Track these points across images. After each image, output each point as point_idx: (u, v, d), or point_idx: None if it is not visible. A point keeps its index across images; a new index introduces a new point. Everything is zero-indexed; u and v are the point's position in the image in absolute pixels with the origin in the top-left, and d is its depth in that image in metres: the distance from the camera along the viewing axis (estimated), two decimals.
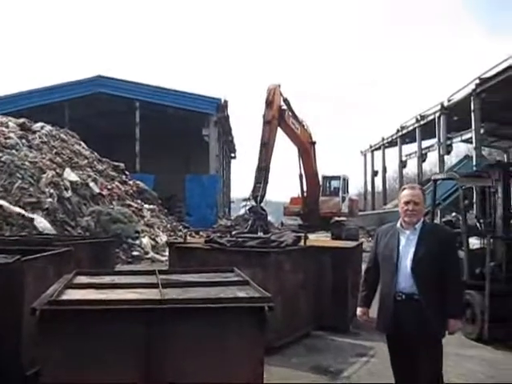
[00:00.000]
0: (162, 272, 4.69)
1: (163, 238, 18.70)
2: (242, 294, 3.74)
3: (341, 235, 20.41)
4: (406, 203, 4.08)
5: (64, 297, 3.59)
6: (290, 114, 18.95)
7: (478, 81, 24.77)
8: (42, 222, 14.43)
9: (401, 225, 4.14)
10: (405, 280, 3.98)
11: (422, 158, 34.51)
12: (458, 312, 4.10)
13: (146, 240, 17.80)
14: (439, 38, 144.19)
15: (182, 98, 31.05)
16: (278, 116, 17.78)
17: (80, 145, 23.86)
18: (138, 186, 23.58)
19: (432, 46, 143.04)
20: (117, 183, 22.20)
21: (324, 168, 28.74)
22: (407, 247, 4.04)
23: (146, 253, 17.13)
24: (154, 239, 18.53)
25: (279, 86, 18.24)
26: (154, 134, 31.60)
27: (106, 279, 4.34)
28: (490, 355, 6.98)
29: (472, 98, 24.95)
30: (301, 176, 21.99)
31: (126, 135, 31.19)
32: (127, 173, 25.02)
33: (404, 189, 4.27)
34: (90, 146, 24.51)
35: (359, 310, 4.35)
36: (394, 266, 4.02)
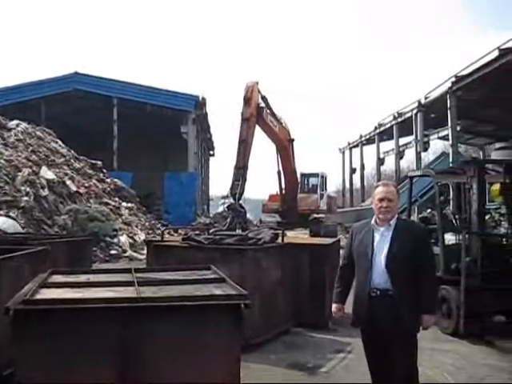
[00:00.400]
0: (138, 270, 4.67)
1: (141, 236, 18.59)
2: (218, 292, 3.73)
3: (319, 232, 20.53)
4: (380, 200, 4.10)
5: (38, 296, 3.55)
6: (268, 111, 18.94)
7: (454, 79, 25.04)
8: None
9: (375, 221, 4.16)
10: (379, 276, 4.00)
11: (400, 155, 34.78)
12: (432, 307, 4.14)
13: (123, 238, 17.70)
14: (422, 37, 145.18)
15: (160, 96, 30.89)
16: (256, 113, 17.75)
17: (57, 142, 23.61)
18: (116, 184, 23.41)
19: (415, 45, 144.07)
20: (94, 181, 22.03)
21: (303, 165, 28.81)
22: (381, 244, 4.07)
23: (124, 251, 17.03)
24: (132, 237, 18.43)
25: (257, 83, 18.21)
26: (132, 131, 31.40)
27: (82, 278, 4.31)
28: (465, 349, 7.08)
29: (448, 95, 25.21)
30: (279, 173, 22.02)
31: (103, 133, 30.94)
32: (105, 171, 24.84)
33: (378, 186, 4.31)
34: (67, 143, 24.26)
35: (334, 307, 4.36)
36: (369, 263, 4.04)
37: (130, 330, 3.36)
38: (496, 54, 21.92)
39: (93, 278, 4.35)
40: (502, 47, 21.77)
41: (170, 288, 3.88)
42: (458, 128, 26.65)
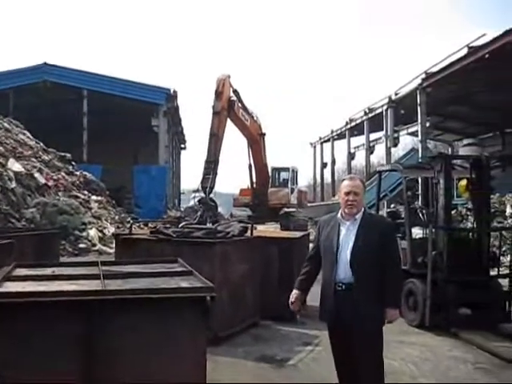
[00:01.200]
0: (104, 263, 4.65)
1: (111, 230, 18.40)
2: (184, 284, 3.73)
3: (290, 226, 20.57)
4: (347, 194, 4.10)
5: (1, 289, 3.51)
6: (239, 105, 18.87)
7: (424, 75, 25.33)
8: None
9: (341, 215, 4.15)
10: (344, 271, 4.00)
11: (370, 150, 35.05)
12: (396, 302, 4.15)
13: (93, 232, 17.52)
14: (396, 34, 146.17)
15: (130, 88, 30.59)
16: (228, 107, 17.69)
17: (24, 134, 23.22)
18: (85, 177, 23.12)
19: (389, 42, 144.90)
20: (63, 174, 21.72)
21: (274, 160, 28.88)
22: (347, 238, 4.06)
23: (94, 245, 16.86)
24: (101, 231, 18.24)
25: (229, 76, 18.14)
26: (102, 123, 31.03)
27: (47, 271, 4.27)
28: (431, 341, 7.21)
29: (418, 92, 25.49)
30: (250, 167, 22.00)
31: (73, 125, 30.51)
32: (74, 163, 24.53)
33: (344, 180, 4.30)
34: (36, 135, 23.88)
35: (293, 292, 4.32)
36: (334, 257, 4.04)
37: (95, 324, 3.34)
38: (465, 51, 22.25)
39: (58, 271, 4.31)
40: (471, 45, 22.10)
41: (136, 281, 3.87)
42: (428, 124, 26.97)
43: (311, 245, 4.61)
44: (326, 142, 44.76)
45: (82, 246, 16.46)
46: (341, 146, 42.54)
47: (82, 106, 29.78)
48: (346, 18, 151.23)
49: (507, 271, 8.51)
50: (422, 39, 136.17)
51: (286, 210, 24.67)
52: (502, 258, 9.56)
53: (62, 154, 23.99)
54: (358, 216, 4.10)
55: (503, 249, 11.30)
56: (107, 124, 32.24)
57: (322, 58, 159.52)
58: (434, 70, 24.63)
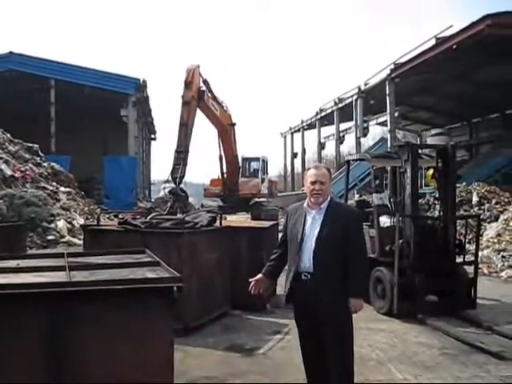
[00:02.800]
0: (70, 255, 4.61)
1: (80, 221, 18.19)
2: (151, 275, 3.71)
3: (260, 216, 20.63)
4: (312, 183, 4.07)
5: None
6: (209, 95, 18.79)
7: (392, 66, 25.57)
8: None
9: (308, 205, 4.14)
10: (308, 260, 3.99)
11: (340, 140, 35.29)
12: (361, 292, 4.13)
13: (61, 223, 17.30)
14: (368, 23, 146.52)
15: (99, 78, 30.15)
16: (197, 97, 17.59)
17: None
18: (53, 168, 22.77)
19: (361, 31, 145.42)
20: (30, 165, 21.32)
21: (245, 149, 28.90)
22: (313, 227, 4.05)
23: (62, 236, 16.65)
24: (70, 222, 18.02)
25: (198, 66, 18.03)
26: (71, 114, 30.61)
27: (11, 263, 4.21)
28: (398, 328, 7.33)
29: (387, 82, 25.73)
30: (220, 157, 21.96)
31: (40, 115, 30.01)
32: (42, 154, 24.11)
33: (310, 169, 4.27)
34: (1, 126, 23.41)
35: (257, 276, 4.32)
36: (299, 246, 4.03)
37: (60, 316, 3.30)
38: (433, 42, 22.50)
39: (23, 263, 4.26)
40: (439, 36, 22.35)
41: (103, 272, 3.85)
42: (396, 114, 27.26)
43: (280, 234, 4.60)
44: (296, 132, 44.95)
45: (50, 237, 16.24)
46: (311, 136, 42.80)
47: (50, 95, 29.28)
48: (318, 9, 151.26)
49: (473, 258, 8.67)
50: (396, 29, 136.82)
51: (257, 199, 24.76)
52: (467, 245, 9.77)
53: (30, 144, 23.57)
54: (324, 205, 4.08)
55: (469, 236, 11.58)
56: (76, 114, 31.82)
57: (292, 48, 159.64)
58: (403, 60, 24.87)
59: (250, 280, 4.32)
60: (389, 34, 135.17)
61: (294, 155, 45.36)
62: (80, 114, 32.43)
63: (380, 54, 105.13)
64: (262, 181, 25.84)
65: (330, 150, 45.06)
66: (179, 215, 11.01)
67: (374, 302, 8.15)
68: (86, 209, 21.15)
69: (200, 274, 6.84)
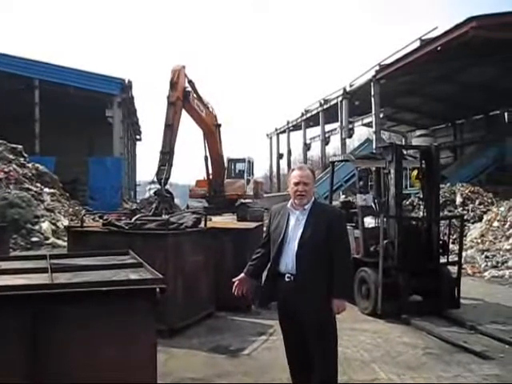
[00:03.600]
0: (53, 256, 4.58)
1: (65, 223, 18.07)
2: (134, 277, 3.70)
3: (246, 217, 20.66)
4: (296, 184, 4.06)
5: None
6: (194, 95, 18.78)
7: (377, 67, 25.70)
8: None
9: (291, 205, 4.12)
10: (291, 261, 3.97)
11: (325, 141, 35.39)
12: (344, 293, 4.08)
13: (46, 225, 17.17)
14: (356, 24, 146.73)
15: (84, 78, 29.91)
16: (183, 98, 17.58)
17: None
18: (38, 169, 22.60)
19: (348, 31, 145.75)
20: (14, 166, 21.17)
21: (231, 150, 28.91)
22: (296, 228, 4.03)
23: (47, 238, 16.53)
24: (54, 224, 17.90)
25: (184, 67, 18.03)
26: (55, 114, 30.34)
27: None
28: (382, 328, 7.37)
29: (372, 83, 25.86)
30: (206, 158, 21.96)
31: (24, 116, 29.76)
32: (26, 155, 23.92)
33: (293, 170, 4.25)
34: None
35: (239, 276, 4.31)
36: (283, 247, 4.02)
37: (42, 318, 3.29)
38: (418, 44, 22.66)
39: (5, 265, 4.23)
40: (424, 37, 22.52)
41: (85, 274, 3.83)
42: (381, 115, 27.43)
43: (264, 234, 4.59)
44: (282, 133, 45.04)
45: (34, 239, 16.11)
46: (297, 137, 42.91)
47: (34, 96, 29.05)
48: (304, 8, 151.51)
49: (456, 259, 8.73)
50: (383, 29, 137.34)
51: (243, 200, 24.78)
52: (451, 245, 9.83)
53: (13, 145, 23.37)
54: (308, 206, 4.06)
55: (453, 237, 11.66)
56: (60, 115, 31.54)
57: (278, 49, 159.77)
58: (388, 62, 25.01)
59: (233, 280, 4.31)
60: (377, 34, 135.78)
61: (280, 156, 45.44)
62: (65, 115, 32.17)
63: (367, 54, 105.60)
64: (248, 182, 25.88)
65: (315, 151, 45.28)
66: (164, 216, 10.99)
67: (359, 303, 8.19)
68: (70, 210, 21.02)
69: (184, 275, 6.82)
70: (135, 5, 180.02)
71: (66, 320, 3.32)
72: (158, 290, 3.39)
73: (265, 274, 4.21)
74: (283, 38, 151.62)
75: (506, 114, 33.83)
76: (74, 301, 3.33)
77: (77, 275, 3.78)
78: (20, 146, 23.72)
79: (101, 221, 8.09)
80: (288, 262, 3.99)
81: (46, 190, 21.07)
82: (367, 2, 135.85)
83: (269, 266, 4.15)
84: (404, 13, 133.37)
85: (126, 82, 30.52)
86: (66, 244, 14.94)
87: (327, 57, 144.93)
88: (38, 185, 21.03)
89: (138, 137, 45.98)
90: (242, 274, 4.33)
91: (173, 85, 17.19)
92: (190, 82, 18.42)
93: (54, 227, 17.55)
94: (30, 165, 22.58)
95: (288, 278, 3.98)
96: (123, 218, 8.50)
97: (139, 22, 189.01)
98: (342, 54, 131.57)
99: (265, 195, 30.65)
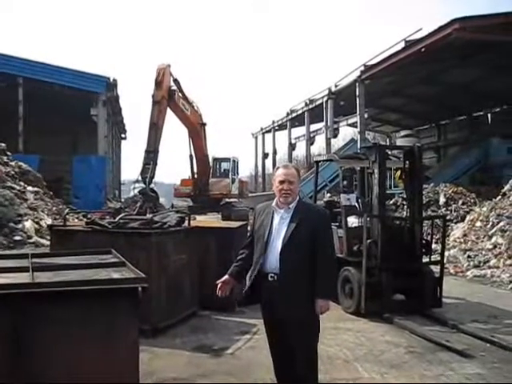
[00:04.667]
0: (35, 255, 4.54)
1: (48, 222, 17.92)
2: (116, 276, 3.69)
3: (231, 216, 20.66)
4: (281, 182, 4.02)
5: None
6: (179, 94, 18.78)
7: (362, 68, 25.80)
8: None
9: (276, 204, 4.09)
10: (275, 260, 3.93)
11: (311, 141, 35.47)
12: (328, 293, 4.06)
13: (29, 224, 17.02)
14: (341, 24, 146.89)
15: (69, 76, 29.70)
16: (168, 96, 17.58)
17: None
18: (21, 167, 22.40)
19: (335, 31, 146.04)
20: None
21: (216, 150, 28.90)
22: (280, 227, 3.99)
23: (30, 237, 16.37)
24: (38, 223, 17.75)
25: (169, 66, 18.01)
26: (39, 112, 30.11)
27: None
28: (366, 327, 7.40)
29: (357, 84, 25.95)
30: (191, 157, 21.94)
31: (8, 113, 29.49)
32: (9, 153, 23.70)
33: (278, 168, 4.20)
34: None
35: (223, 278, 4.26)
36: (266, 246, 3.98)
37: (23, 317, 3.27)
38: (402, 45, 22.78)
39: None
40: (408, 39, 22.64)
41: (67, 273, 3.81)
42: (366, 116, 27.53)
43: (248, 234, 4.56)
44: (267, 132, 45.07)
45: (17, 238, 15.94)
46: (282, 136, 42.96)
47: (18, 93, 28.79)
48: (303, 8, 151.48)
49: (439, 258, 8.79)
50: (370, 29, 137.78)
51: (228, 200, 24.77)
52: (434, 245, 9.90)
53: None
54: (293, 205, 4.03)
55: (436, 236, 11.74)
56: (45, 113, 31.31)
57: (264, 49, 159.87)
58: (373, 62, 25.12)
59: (217, 282, 4.26)
60: (371, 35, 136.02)
61: (265, 156, 45.45)
62: (49, 113, 31.93)
63: (353, 55, 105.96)
64: (233, 181, 25.86)
65: (300, 151, 45.25)
66: (148, 215, 10.97)
67: (342, 302, 8.21)
68: (54, 209, 20.85)
69: (168, 274, 6.80)
70: (135, 4, 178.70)
71: (47, 319, 3.31)
72: (140, 289, 3.38)
73: (249, 274, 4.17)
74: (278, 38, 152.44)
75: (489, 115, 34.17)
76: (55, 300, 3.31)
77: (58, 274, 3.75)
78: (3, 145, 23.49)
79: (84, 220, 8.05)
80: (272, 261, 3.96)
81: (30, 188, 20.89)
82: (367, 1, 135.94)
83: (253, 265, 4.09)
84: (394, 14, 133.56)
85: (111, 80, 30.37)
86: (49, 243, 14.96)
87: (318, 57, 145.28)
88: (22, 183, 20.84)
89: (122, 135, 45.75)
90: (226, 276, 4.27)
91: (158, 83, 17.18)
92: (175, 80, 18.41)
93: (37, 226, 17.39)
94: (13, 163, 22.37)
95: (271, 277, 3.95)
96: (107, 217, 8.46)
97: (138, 21, 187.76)
98: (330, 54, 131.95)
99: (250, 195, 30.69)
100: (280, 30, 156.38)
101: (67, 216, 8.23)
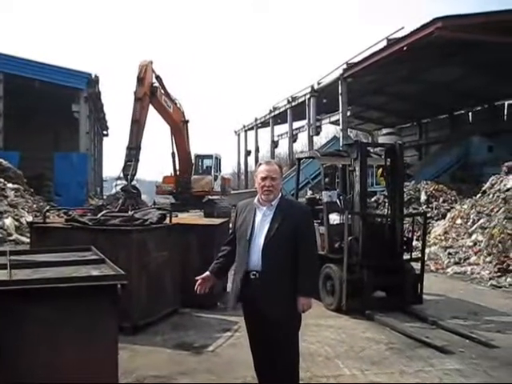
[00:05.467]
0: (13, 252, 4.49)
1: (29, 219, 17.77)
2: (95, 273, 3.65)
3: (213, 213, 20.64)
4: (263, 179, 3.99)
5: None
6: (162, 91, 18.69)
7: (345, 66, 25.90)
8: None
9: (258, 201, 4.05)
10: (257, 258, 3.90)
11: (293, 138, 35.51)
12: (309, 290, 4.03)
13: (9, 221, 16.84)
14: (324, 22, 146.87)
15: (50, 72, 29.36)
16: (150, 93, 17.47)
17: None
18: (1, 164, 22.18)
19: (317, 29, 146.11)
20: None
21: (198, 147, 28.85)
22: (263, 224, 3.96)
23: (10, 234, 16.20)
24: (18, 220, 17.57)
25: (151, 62, 17.90)
26: (20, 109, 29.81)
27: None
28: (347, 324, 7.44)
29: (340, 82, 26.04)
30: (173, 155, 21.87)
31: None
32: None
33: (260, 164, 4.16)
34: None
35: (203, 274, 4.22)
36: (248, 244, 3.94)
37: (1, 315, 3.22)
38: (384, 43, 22.89)
39: None
40: (390, 37, 22.76)
41: (46, 270, 3.77)
42: (348, 113, 27.65)
43: (230, 231, 4.53)
44: (250, 129, 45.08)
45: None
46: (265, 134, 42.99)
47: None
48: (303, 8, 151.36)
49: (420, 255, 8.86)
50: (370, 29, 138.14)
51: (210, 197, 24.74)
52: (415, 242, 9.98)
53: None
54: (275, 202, 4.00)
55: (417, 234, 11.83)
56: (26, 109, 31.00)
57: (247, 44, 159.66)
58: (355, 60, 25.22)
59: (197, 278, 4.23)
60: (362, 33, 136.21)
61: (248, 153, 45.46)
62: (30, 109, 31.62)
63: (339, 54, 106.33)
64: (215, 178, 25.85)
65: (283, 148, 45.46)
66: (130, 212, 10.90)
67: (324, 299, 8.24)
68: (35, 206, 20.65)
69: (149, 271, 6.77)
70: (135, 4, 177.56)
71: (25, 317, 3.28)
72: (119, 286, 3.36)
73: (232, 272, 4.16)
74: (278, 38, 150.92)
75: (469, 114, 34.51)
76: (32, 298, 3.28)
77: (36, 271, 3.72)
78: None
79: (65, 217, 7.99)
80: (254, 258, 3.92)
81: (10, 185, 20.66)
82: (367, 1, 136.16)
83: (238, 266, 4.05)
84: (393, 13, 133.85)
85: (93, 76, 30.13)
86: (29, 240, 14.83)
87: (297, 54, 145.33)
88: (1, 180, 20.62)
89: (104, 132, 45.44)
90: (207, 272, 4.24)
91: (140, 80, 17.06)
92: (157, 77, 18.32)
93: (17, 223, 17.21)
94: None
95: (253, 274, 3.91)
96: (89, 214, 8.39)
97: (138, 21, 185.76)
98: (314, 52, 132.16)
99: (232, 192, 30.69)
100: (280, 30, 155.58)
101: (48, 213, 8.15)
